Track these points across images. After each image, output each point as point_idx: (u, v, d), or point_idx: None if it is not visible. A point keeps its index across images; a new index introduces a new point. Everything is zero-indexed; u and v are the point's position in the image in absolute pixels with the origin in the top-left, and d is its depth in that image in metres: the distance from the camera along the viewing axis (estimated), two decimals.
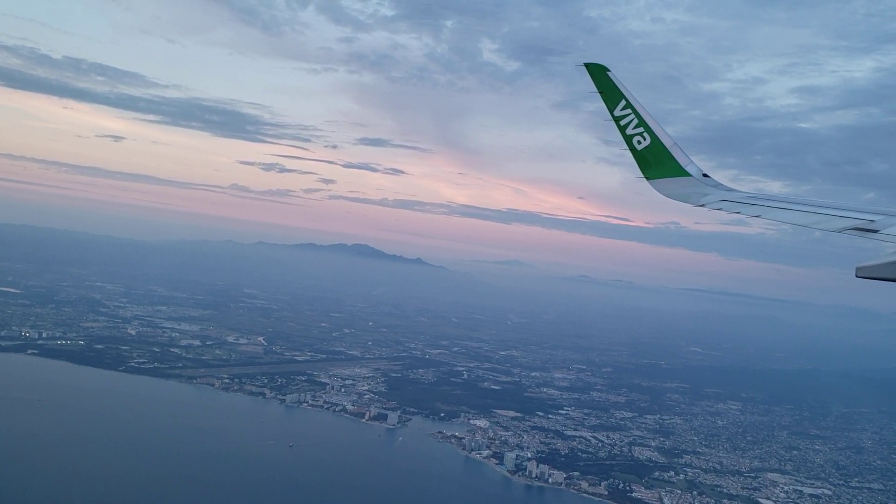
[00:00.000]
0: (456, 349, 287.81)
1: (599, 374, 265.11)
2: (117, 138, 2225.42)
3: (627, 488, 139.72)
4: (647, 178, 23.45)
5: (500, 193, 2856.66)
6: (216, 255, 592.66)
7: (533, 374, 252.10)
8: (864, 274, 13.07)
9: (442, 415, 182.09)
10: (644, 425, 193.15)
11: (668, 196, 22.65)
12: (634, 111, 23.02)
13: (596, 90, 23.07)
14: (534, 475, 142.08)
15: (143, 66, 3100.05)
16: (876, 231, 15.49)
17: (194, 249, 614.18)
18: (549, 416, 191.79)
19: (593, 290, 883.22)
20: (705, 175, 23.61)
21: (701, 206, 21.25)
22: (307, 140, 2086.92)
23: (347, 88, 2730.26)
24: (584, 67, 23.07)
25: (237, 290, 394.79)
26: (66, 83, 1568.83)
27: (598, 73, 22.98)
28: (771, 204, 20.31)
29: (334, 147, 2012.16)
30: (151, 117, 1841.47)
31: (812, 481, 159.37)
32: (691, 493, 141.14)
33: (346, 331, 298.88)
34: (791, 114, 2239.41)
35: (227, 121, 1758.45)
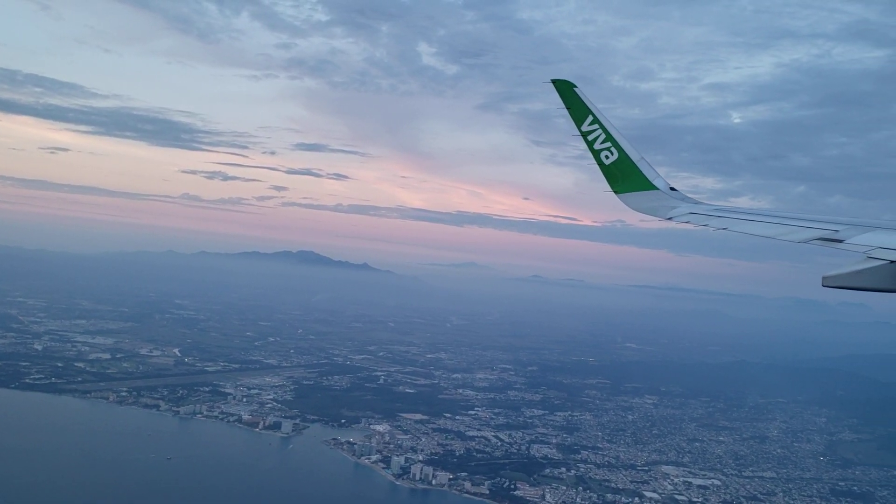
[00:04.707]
0: (382, 354, 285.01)
1: (523, 374, 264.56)
2: (56, 150, 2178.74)
3: (512, 486, 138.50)
4: (616, 192, 23.67)
5: (454, 196, 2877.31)
6: (155, 265, 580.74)
7: (455, 375, 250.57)
8: (831, 283, 13.43)
9: (343, 421, 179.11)
10: (551, 423, 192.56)
11: (636, 210, 22.98)
12: (601, 126, 23.22)
13: (563, 105, 23.23)
14: (418, 478, 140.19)
15: (80, 76, 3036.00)
16: (840, 241, 15.83)
17: (133, 260, 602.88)
18: (457, 417, 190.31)
19: (545, 289, 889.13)
20: (672, 188, 23.94)
21: (669, 219, 21.61)
22: (244, 147, 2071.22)
23: (294, 95, 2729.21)
24: (552, 84, 23.22)
25: (168, 301, 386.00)
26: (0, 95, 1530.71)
27: (565, 90, 23.19)
28: (737, 216, 20.85)
29: (272, 153, 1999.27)
30: (85, 128, 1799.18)
31: (705, 472, 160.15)
32: (577, 488, 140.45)
33: (271, 339, 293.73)
34: (706, 110, 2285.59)
35: (160, 129, 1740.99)
